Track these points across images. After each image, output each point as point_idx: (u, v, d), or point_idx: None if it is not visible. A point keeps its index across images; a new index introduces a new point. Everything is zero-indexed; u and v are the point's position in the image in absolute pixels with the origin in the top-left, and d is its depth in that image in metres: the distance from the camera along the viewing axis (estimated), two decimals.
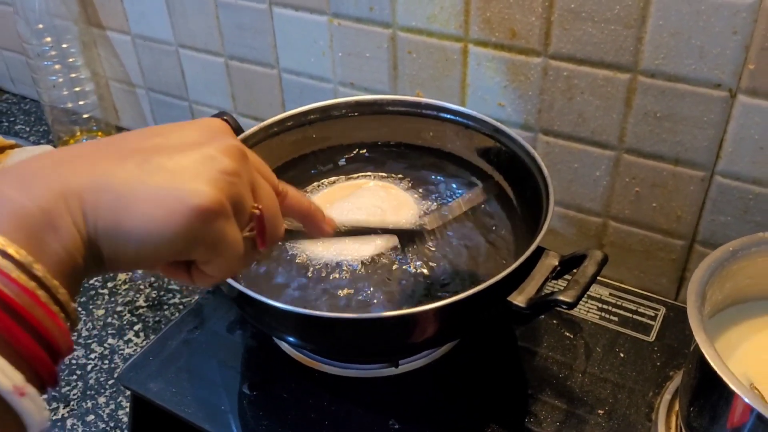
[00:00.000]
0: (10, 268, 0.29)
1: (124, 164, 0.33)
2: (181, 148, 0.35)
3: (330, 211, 0.67)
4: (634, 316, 0.69)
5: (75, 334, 0.78)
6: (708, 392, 0.48)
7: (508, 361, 0.65)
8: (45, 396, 0.31)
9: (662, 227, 0.72)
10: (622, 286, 0.73)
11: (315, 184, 0.74)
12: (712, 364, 0.44)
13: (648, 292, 0.72)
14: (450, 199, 0.72)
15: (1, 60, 1.24)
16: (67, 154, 0.34)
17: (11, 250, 0.29)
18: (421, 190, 0.73)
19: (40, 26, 0.97)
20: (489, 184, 0.71)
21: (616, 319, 0.68)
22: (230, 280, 0.53)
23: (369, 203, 0.68)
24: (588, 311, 0.69)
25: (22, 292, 0.29)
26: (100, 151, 0.34)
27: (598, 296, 0.71)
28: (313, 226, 0.46)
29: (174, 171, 0.34)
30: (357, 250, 0.64)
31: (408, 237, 0.60)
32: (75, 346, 0.76)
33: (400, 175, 0.74)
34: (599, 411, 0.59)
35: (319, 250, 0.64)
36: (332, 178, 0.74)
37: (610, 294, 0.71)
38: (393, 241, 0.63)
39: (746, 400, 0.43)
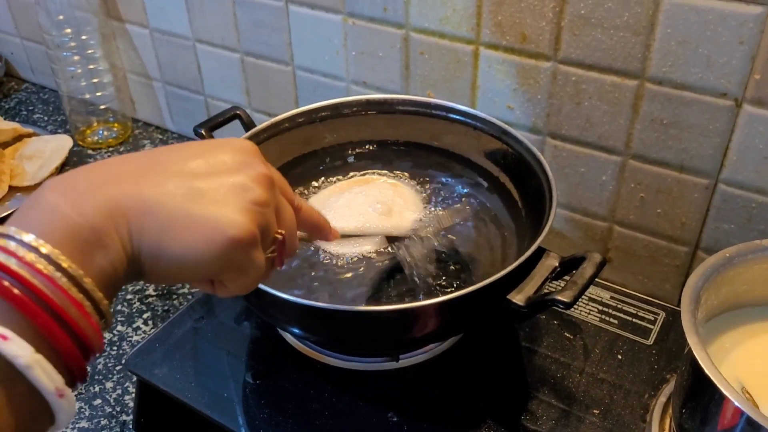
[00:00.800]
0: (63, 281, 0.32)
1: (166, 188, 0.36)
2: (218, 174, 0.38)
3: (338, 201, 0.69)
4: (634, 320, 0.69)
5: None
6: (699, 394, 0.49)
7: (507, 359, 0.66)
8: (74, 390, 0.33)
9: (666, 233, 0.73)
10: (623, 289, 0.74)
11: (322, 179, 0.75)
12: (703, 366, 0.45)
13: (651, 297, 0.73)
14: (457, 200, 0.73)
15: (22, 50, 1.26)
16: (113, 170, 0.36)
17: (65, 264, 0.32)
18: (427, 189, 0.74)
19: (61, 18, 0.99)
20: (480, 194, 0.73)
21: (615, 321, 0.69)
22: None
23: (375, 199, 0.69)
24: (589, 313, 0.70)
25: (72, 303, 0.32)
26: (144, 170, 0.37)
27: (599, 299, 0.72)
28: (321, 236, 0.51)
29: (212, 199, 0.37)
30: (359, 245, 0.65)
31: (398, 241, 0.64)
32: None
33: (406, 174, 0.76)
34: (594, 411, 0.60)
35: (329, 247, 0.66)
36: (341, 175, 0.75)
37: (611, 297, 0.72)
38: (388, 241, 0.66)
39: (736, 403, 0.44)
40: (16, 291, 0.30)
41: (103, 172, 0.36)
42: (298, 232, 0.47)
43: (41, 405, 0.31)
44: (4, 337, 0.30)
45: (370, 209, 0.68)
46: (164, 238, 0.35)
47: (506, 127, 0.70)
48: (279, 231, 0.42)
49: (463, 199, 0.73)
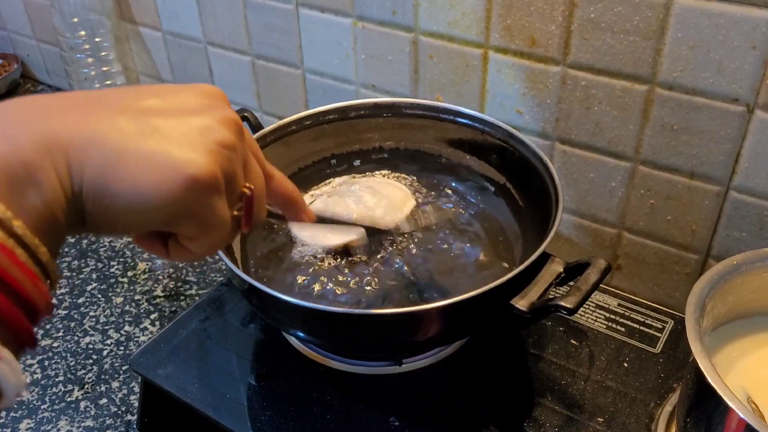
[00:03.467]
0: (10, 244, 0.27)
1: (116, 121, 0.31)
2: (179, 113, 0.33)
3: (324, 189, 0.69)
4: (642, 328, 0.69)
5: (93, 319, 0.80)
6: (703, 404, 0.48)
7: (511, 364, 0.66)
8: (22, 358, 0.29)
9: (677, 241, 0.72)
10: (632, 297, 0.73)
11: (327, 181, 0.75)
12: (706, 375, 0.44)
13: (660, 305, 0.72)
14: (459, 204, 0.72)
15: (38, 52, 1.27)
16: (56, 102, 0.32)
17: (18, 229, 0.27)
18: (432, 193, 0.74)
19: (75, 20, 1.00)
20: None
21: (623, 329, 0.68)
22: (240, 273, 0.55)
23: (362, 187, 0.68)
24: (596, 320, 0.69)
25: (5, 255, 0.27)
26: (92, 103, 0.32)
27: (607, 306, 0.71)
28: (294, 213, 0.45)
29: (170, 136, 0.32)
30: (336, 236, 0.65)
31: (385, 233, 0.64)
32: (93, 332, 0.78)
33: (413, 177, 0.75)
34: (599, 418, 0.59)
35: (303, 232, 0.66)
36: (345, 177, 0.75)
37: (619, 304, 0.71)
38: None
39: (740, 414, 0.43)
40: None
41: (43, 103, 0.31)
42: (268, 207, 0.43)
43: None
44: None
45: (352, 200, 0.66)
46: (109, 174, 0.30)
47: (514, 131, 0.70)
48: (247, 185, 0.37)
49: (451, 203, 0.73)
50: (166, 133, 0.32)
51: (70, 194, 0.30)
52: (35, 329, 0.29)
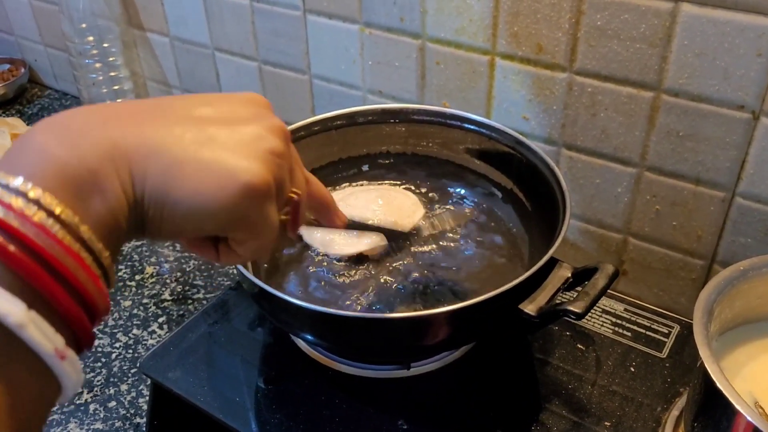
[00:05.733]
0: (57, 229, 0.28)
1: (174, 130, 0.33)
2: (231, 122, 0.35)
3: (339, 194, 0.69)
4: (648, 332, 0.69)
5: (101, 323, 0.80)
6: (711, 408, 0.48)
7: (519, 369, 0.66)
8: (81, 357, 0.30)
9: (682, 246, 0.72)
10: (638, 302, 0.73)
11: (336, 187, 0.76)
12: (715, 379, 0.44)
13: (665, 310, 0.72)
14: (466, 208, 0.73)
15: (46, 57, 1.28)
16: (113, 111, 0.33)
17: (58, 210, 0.28)
18: (440, 198, 0.74)
19: (84, 25, 1.01)
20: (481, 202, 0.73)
21: (629, 334, 0.69)
22: (250, 276, 0.55)
23: (377, 195, 0.69)
24: (602, 325, 0.70)
25: (67, 254, 0.28)
26: (148, 113, 0.33)
27: (613, 311, 0.72)
28: (328, 217, 0.47)
29: (225, 145, 0.33)
30: (356, 242, 0.65)
31: (398, 237, 0.65)
32: (101, 335, 0.79)
33: (420, 183, 0.76)
34: (606, 423, 0.60)
35: (336, 246, 0.66)
36: (354, 183, 0.76)
37: (625, 309, 0.72)
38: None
39: (749, 418, 0.43)
40: (3, 242, 0.27)
41: (101, 112, 0.32)
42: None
43: (43, 373, 0.28)
44: None
45: (372, 204, 0.67)
46: (170, 183, 0.32)
47: (521, 137, 0.70)
48: (295, 190, 0.38)
49: (467, 208, 0.73)
50: (221, 142, 0.33)
51: (132, 201, 0.31)
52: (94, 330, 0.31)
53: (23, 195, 0.28)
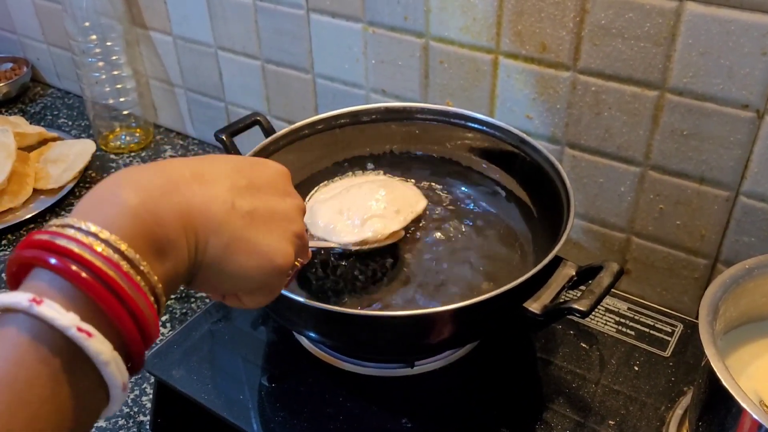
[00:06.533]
0: (143, 284, 0.33)
1: (227, 206, 0.39)
2: (268, 198, 0.42)
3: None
4: (651, 331, 0.69)
5: None
6: (717, 407, 0.48)
7: (523, 368, 0.66)
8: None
9: (686, 245, 0.72)
10: (641, 301, 0.73)
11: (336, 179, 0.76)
12: (720, 378, 0.44)
13: (669, 309, 0.72)
14: (470, 207, 0.73)
15: (49, 56, 1.28)
16: (175, 175, 0.38)
17: (145, 268, 0.34)
18: (443, 197, 0.74)
19: (87, 24, 1.01)
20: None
21: (632, 333, 0.69)
22: None
23: (379, 187, 0.68)
24: (605, 324, 0.70)
25: (145, 301, 0.33)
26: (202, 182, 0.39)
27: (617, 310, 0.72)
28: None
29: (266, 227, 0.41)
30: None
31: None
32: None
33: (423, 181, 0.76)
34: (610, 422, 0.60)
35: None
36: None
37: (629, 308, 0.72)
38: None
39: (755, 416, 0.43)
40: (101, 290, 0.31)
41: (167, 174, 0.38)
42: None
43: (103, 396, 0.33)
44: (89, 334, 0.31)
45: (375, 194, 0.66)
46: (225, 258, 0.39)
47: (525, 136, 0.70)
48: (300, 261, 0.46)
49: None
50: (262, 222, 0.41)
51: (194, 265, 0.38)
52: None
53: (106, 242, 0.33)
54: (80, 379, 0.31)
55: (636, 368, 0.65)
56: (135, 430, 0.68)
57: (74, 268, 0.31)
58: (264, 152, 0.70)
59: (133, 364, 0.34)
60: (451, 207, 0.74)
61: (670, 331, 0.69)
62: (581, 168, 0.75)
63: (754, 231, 0.67)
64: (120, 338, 0.32)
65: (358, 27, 0.83)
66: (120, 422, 0.68)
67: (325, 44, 0.88)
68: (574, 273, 0.57)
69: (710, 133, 0.65)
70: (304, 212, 0.46)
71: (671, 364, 0.65)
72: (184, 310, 0.82)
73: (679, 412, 0.60)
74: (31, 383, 0.29)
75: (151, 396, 0.70)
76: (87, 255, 0.32)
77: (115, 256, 0.32)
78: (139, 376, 0.73)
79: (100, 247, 0.32)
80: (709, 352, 0.46)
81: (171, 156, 1.10)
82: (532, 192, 0.71)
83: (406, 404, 0.61)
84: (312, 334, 0.60)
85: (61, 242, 0.32)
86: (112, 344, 0.32)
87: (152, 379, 0.67)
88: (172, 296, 0.83)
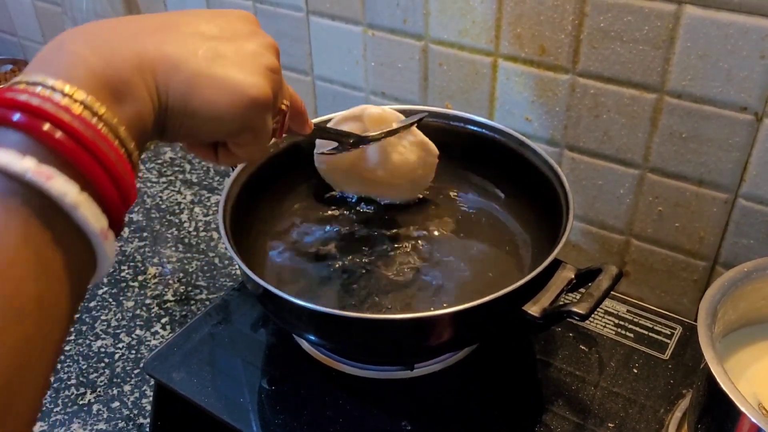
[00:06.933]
0: (101, 125, 0.31)
1: (188, 46, 0.37)
2: (233, 39, 0.40)
3: None
4: (650, 334, 0.69)
5: (105, 323, 0.80)
6: (715, 410, 0.48)
7: (522, 370, 0.66)
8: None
9: (685, 248, 0.73)
10: (640, 303, 0.73)
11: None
12: (719, 381, 0.44)
13: (668, 312, 0.72)
14: (469, 210, 0.73)
15: None
16: (133, 26, 0.37)
17: (101, 110, 0.32)
18: (442, 198, 0.74)
19: None
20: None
21: (632, 335, 0.69)
22: (255, 277, 0.55)
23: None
24: (605, 326, 0.70)
25: (110, 149, 0.32)
26: (162, 27, 0.37)
27: (616, 312, 0.72)
28: (299, 123, 0.52)
29: (233, 61, 0.39)
30: None
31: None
32: (104, 336, 0.79)
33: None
34: (609, 424, 0.60)
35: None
36: None
37: (628, 311, 0.72)
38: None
39: (753, 419, 0.43)
40: (58, 135, 0.30)
41: (125, 26, 0.37)
42: None
43: (85, 251, 0.31)
44: (48, 176, 0.29)
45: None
46: (190, 95, 0.37)
47: (524, 138, 0.71)
48: (284, 102, 0.45)
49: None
50: (228, 58, 0.38)
51: (158, 108, 0.36)
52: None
53: (69, 96, 0.31)
54: (53, 227, 0.29)
55: (635, 371, 0.65)
56: None
57: (46, 127, 0.30)
58: None
59: (113, 221, 0.32)
60: (449, 209, 0.74)
61: (669, 333, 0.69)
62: (580, 170, 0.75)
63: (753, 233, 0.67)
64: (92, 189, 0.31)
65: (357, 29, 0.83)
66: (120, 425, 0.68)
67: (324, 46, 0.88)
68: (573, 276, 0.57)
69: (709, 136, 0.65)
70: (278, 50, 0.43)
71: (670, 366, 0.65)
72: (184, 313, 0.82)
73: (678, 414, 0.60)
74: None
75: (151, 398, 0.70)
76: (64, 116, 0.30)
77: (64, 100, 0.30)
78: (139, 378, 0.73)
79: (76, 108, 0.31)
80: (708, 355, 0.46)
81: (171, 157, 1.10)
82: (531, 194, 0.71)
83: (406, 407, 0.61)
84: (311, 337, 0.60)
85: (9, 95, 0.30)
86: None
87: (152, 382, 0.67)
88: (172, 298, 0.83)
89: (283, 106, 0.45)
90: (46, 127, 0.30)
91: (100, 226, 0.31)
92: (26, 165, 0.28)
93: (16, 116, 0.29)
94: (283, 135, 0.47)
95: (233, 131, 0.40)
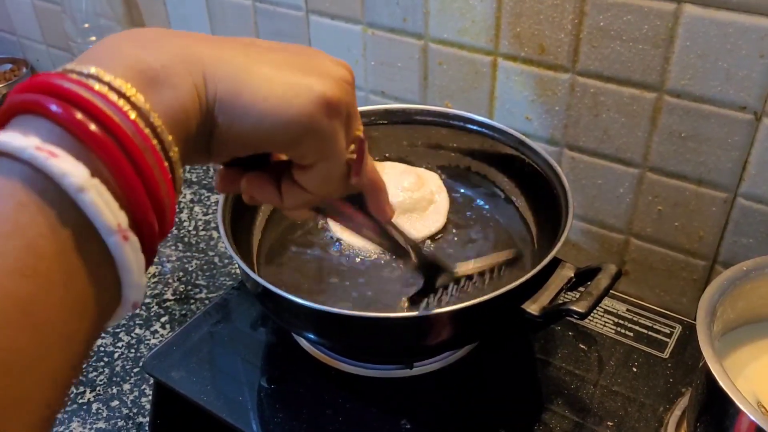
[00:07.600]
0: (127, 108, 0.27)
1: (247, 50, 0.32)
2: (304, 54, 0.35)
3: None
4: (650, 333, 0.69)
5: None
6: (714, 408, 0.48)
7: (521, 369, 0.66)
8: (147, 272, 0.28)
9: (684, 247, 0.73)
10: (640, 302, 0.74)
11: None
12: (718, 380, 0.44)
13: (667, 311, 0.72)
14: (469, 210, 0.73)
15: (48, 58, 1.28)
16: (188, 34, 0.32)
17: (129, 92, 0.28)
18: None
19: (87, 26, 1.01)
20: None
21: (631, 334, 0.69)
22: (254, 275, 0.55)
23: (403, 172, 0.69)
24: (604, 325, 0.70)
25: (137, 132, 0.27)
26: (220, 40, 0.33)
27: (615, 311, 0.72)
28: (378, 202, 0.42)
29: (299, 67, 0.33)
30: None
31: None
32: (104, 335, 0.79)
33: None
34: (608, 423, 0.60)
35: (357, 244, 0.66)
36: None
37: (627, 310, 0.72)
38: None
39: (752, 417, 0.44)
40: (92, 127, 0.26)
41: (169, 31, 0.32)
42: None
43: (100, 249, 0.26)
44: (52, 154, 0.24)
45: (402, 181, 0.66)
46: (241, 86, 0.31)
47: (523, 138, 0.71)
48: (360, 129, 0.37)
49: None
50: (294, 64, 0.33)
51: (204, 103, 0.31)
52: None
53: (96, 78, 0.27)
54: (59, 216, 0.25)
55: (634, 369, 0.65)
56: (134, 431, 0.68)
57: (79, 116, 0.26)
58: None
59: (145, 245, 0.27)
60: (449, 208, 0.74)
61: (668, 332, 0.69)
62: (580, 169, 0.75)
63: (752, 232, 0.67)
64: (112, 181, 0.26)
65: (357, 29, 0.83)
66: (119, 423, 0.69)
67: (324, 46, 0.88)
68: (572, 274, 0.57)
69: (708, 135, 0.65)
70: (350, 70, 0.36)
71: (669, 365, 0.65)
72: (184, 312, 0.82)
73: (677, 413, 0.60)
74: None
75: (150, 397, 0.70)
76: (97, 102, 0.26)
77: (120, 101, 0.27)
78: (139, 377, 0.73)
79: (112, 95, 0.27)
80: (707, 354, 0.46)
81: None
82: (531, 193, 0.71)
83: (405, 405, 0.61)
84: (311, 336, 0.61)
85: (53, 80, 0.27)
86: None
87: (151, 381, 0.67)
88: (172, 297, 0.84)
89: (359, 133, 0.37)
90: (80, 116, 0.26)
91: (116, 221, 0.25)
92: (27, 142, 0.24)
93: (29, 96, 0.26)
94: (360, 173, 0.37)
95: (294, 138, 0.32)
